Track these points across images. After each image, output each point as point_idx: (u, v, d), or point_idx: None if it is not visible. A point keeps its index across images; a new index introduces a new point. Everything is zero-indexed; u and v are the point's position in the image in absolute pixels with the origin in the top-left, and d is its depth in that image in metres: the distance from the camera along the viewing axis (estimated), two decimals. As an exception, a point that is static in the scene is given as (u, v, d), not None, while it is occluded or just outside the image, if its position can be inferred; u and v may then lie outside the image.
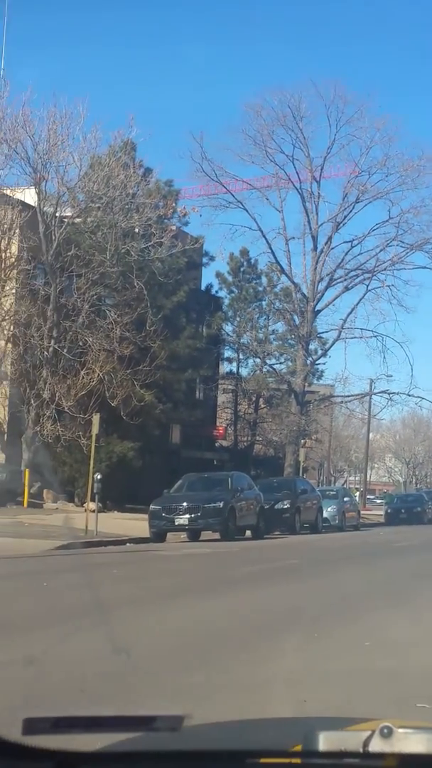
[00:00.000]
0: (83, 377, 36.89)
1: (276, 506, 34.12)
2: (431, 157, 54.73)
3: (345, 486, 73.58)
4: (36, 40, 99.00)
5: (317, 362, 58.83)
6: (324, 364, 69.80)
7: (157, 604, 12.69)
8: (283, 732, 2.69)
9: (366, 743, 2.18)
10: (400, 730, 2.19)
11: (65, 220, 38.16)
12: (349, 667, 8.70)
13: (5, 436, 39.34)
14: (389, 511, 55.21)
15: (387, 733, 2.17)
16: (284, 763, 2.25)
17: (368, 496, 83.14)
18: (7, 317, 37.83)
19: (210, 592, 14.24)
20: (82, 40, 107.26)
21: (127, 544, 25.64)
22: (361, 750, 2.18)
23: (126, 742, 2.27)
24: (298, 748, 2.25)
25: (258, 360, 59.97)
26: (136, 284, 39.04)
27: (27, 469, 35.50)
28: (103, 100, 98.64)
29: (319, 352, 58.29)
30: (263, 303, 60.10)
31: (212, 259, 55.71)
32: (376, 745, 2.17)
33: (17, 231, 37.59)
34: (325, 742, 2.21)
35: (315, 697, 7.25)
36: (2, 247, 37.88)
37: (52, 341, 37.44)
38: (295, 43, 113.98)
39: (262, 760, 2.24)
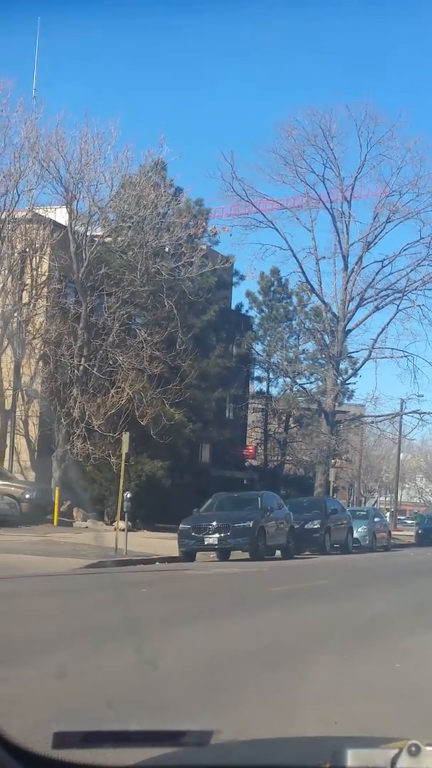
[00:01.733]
0: (113, 396, 36.99)
1: (306, 526, 33.97)
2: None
3: (375, 506, 73.19)
4: (67, 60, 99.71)
5: (348, 382, 58.78)
6: (354, 383, 69.88)
7: (185, 623, 12.64)
8: (312, 749, 2.67)
9: (394, 761, 2.18)
10: (428, 748, 2.18)
11: (96, 239, 38.36)
12: (380, 688, 8.63)
13: (35, 454, 39.48)
14: (420, 531, 54.85)
15: (415, 751, 2.16)
16: None
17: (399, 517, 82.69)
18: (37, 335, 38.03)
19: (239, 613, 14.18)
20: (113, 60, 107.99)
21: (157, 563, 25.60)
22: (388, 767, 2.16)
23: (156, 758, 2.25)
24: (328, 766, 2.23)
25: (288, 379, 59.92)
26: (166, 303, 39.14)
27: (57, 488, 35.56)
28: (135, 119, 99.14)
29: (350, 371, 58.24)
30: (293, 322, 60.10)
31: (242, 278, 55.86)
32: (404, 763, 2.17)
33: (48, 250, 37.85)
34: (353, 759, 2.21)
35: (346, 718, 7.18)
36: (33, 266, 38.14)
37: (83, 360, 37.58)
38: (326, 63, 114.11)
39: None
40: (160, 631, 11.52)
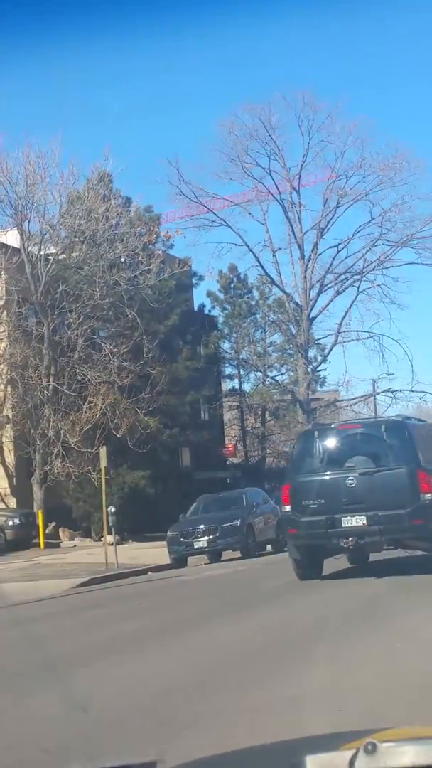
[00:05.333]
0: (86, 411, 36.90)
1: (293, 517, 33.97)
2: (406, 154, 55.06)
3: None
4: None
5: (318, 369, 58.91)
6: (325, 370, 69.55)
7: (185, 630, 12.60)
8: (270, 760, 2.64)
9: (352, 762, 2.19)
10: (384, 745, 2.18)
11: (50, 257, 38.29)
12: (383, 670, 8.63)
13: (14, 479, 39.31)
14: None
15: (371, 750, 2.17)
16: None
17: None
18: (2, 361, 37.88)
19: (235, 612, 14.14)
20: (49, 78, 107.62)
21: (149, 573, 25.54)
22: None
23: None
24: None
25: (259, 373, 60.03)
26: (128, 313, 39.11)
27: (40, 510, 35.42)
28: (76, 135, 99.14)
29: (319, 358, 58.38)
30: (257, 316, 60.21)
31: (201, 278, 55.89)
32: (362, 763, 2.18)
33: (2, 273, 37.74)
34: (312, 766, 2.22)
35: (350, 706, 7.17)
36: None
37: (51, 379, 37.48)
38: (263, 56, 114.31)
39: None
40: (157, 643, 11.52)
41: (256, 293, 59.99)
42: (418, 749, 2.22)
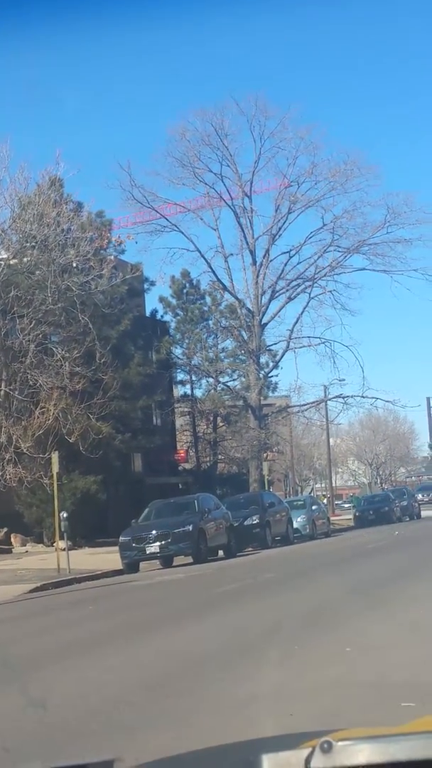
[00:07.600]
0: (38, 417, 36.74)
1: (245, 523, 34.12)
2: (357, 161, 55.45)
3: (312, 494, 73.71)
4: None
5: (270, 375, 59.00)
6: (277, 375, 70.07)
7: (137, 634, 12.65)
8: (227, 760, 2.68)
9: (308, 760, 2.21)
10: (340, 743, 2.22)
11: (1, 262, 38.10)
12: (333, 674, 8.73)
13: (-35, 485, 39.03)
14: (357, 514, 55.41)
15: (327, 748, 2.20)
16: None
17: (336, 502, 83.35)
18: None
19: (187, 617, 14.21)
20: None
21: (101, 579, 25.54)
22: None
23: None
24: None
25: (211, 379, 60.00)
26: (80, 318, 39.01)
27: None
28: (28, 140, 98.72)
29: (271, 364, 58.45)
30: (210, 322, 60.20)
31: (153, 284, 55.75)
32: (318, 761, 2.20)
33: None
34: (268, 765, 2.25)
35: (302, 709, 7.26)
36: None
37: (3, 384, 37.29)
38: (215, 61, 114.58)
39: None
40: (110, 648, 11.57)
41: (208, 299, 60.02)
42: (373, 747, 2.26)
